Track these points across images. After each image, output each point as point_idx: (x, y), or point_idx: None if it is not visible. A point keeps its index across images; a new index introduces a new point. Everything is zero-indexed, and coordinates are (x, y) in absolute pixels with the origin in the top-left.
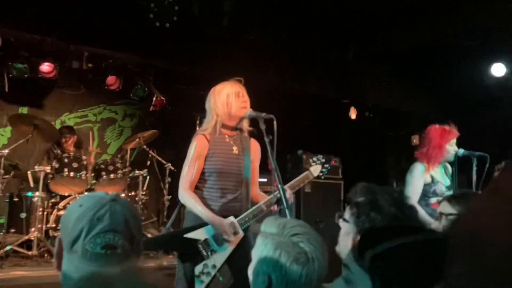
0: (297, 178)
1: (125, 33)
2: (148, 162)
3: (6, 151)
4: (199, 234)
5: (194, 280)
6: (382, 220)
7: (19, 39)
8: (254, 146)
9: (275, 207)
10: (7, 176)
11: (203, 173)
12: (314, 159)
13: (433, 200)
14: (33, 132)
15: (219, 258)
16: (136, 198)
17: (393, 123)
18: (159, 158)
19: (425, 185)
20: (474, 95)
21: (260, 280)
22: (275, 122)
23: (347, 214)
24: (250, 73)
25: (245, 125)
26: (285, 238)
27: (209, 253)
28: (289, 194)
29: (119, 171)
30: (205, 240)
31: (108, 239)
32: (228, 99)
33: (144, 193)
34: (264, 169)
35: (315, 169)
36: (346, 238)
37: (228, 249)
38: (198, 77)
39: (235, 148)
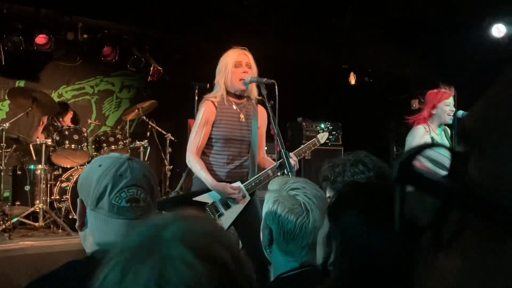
0: (304, 145)
1: (119, 3)
2: (148, 133)
3: (7, 124)
4: (207, 198)
5: None
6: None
7: (12, 11)
8: (262, 113)
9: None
10: (9, 150)
11: (210, 139)
12: (322, 126)
13: None
14: (32, 105)
15: (226, 221)
16: None
17: (392, 87)
18: (159, 129)
19: None
20: (475, 57)
21: (265, 233)
22: (276, 87)
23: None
24: (247, 39)
25: (254, 92)
26: (284, 192)
27: (217, 216)
28: (294, 161)
29: (119, 142)
30: (213, 203)
31: (132, 193)
32: (226, 69)
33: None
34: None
35: (322, 136)
36: None
37: (235, 212)
38: (195, 45)
39: (242, 115)
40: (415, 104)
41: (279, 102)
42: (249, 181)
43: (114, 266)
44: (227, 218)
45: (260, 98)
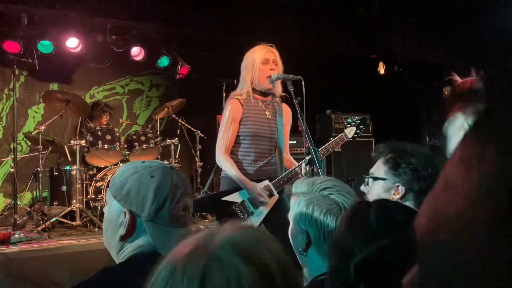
0: (331, 141)
1: (146, 3)
2: (178, 131)
3: (43, 127)
4: (235, 197)
5: None
6: (421, 164)
7: (44, 17)
8: (286, 111)
9: (307, 168)
10: (45, 152)
11: (237, 137)
12: (349, 120)
13: None
14: (65, 107)
15: (256, 219)
16: None
17: (423, 76)
18: (189, 126)
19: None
20: (509, 42)
21: (299, 239)
22: (303, 83)
23: (379, 173)
24: (274, 34)
25: (279, 90)
26: (315, 193)
27: (246, 215)
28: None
29: (151, 141)
30: (242, 202)
31: (186, 201)
32: (253, 66)
33: (176, 161)
34: (293, 131)
35: (350, 131)
36: (387, 195)
37: (265, 211)
38: (221, 42)
39: (268, 112)
40: (447, 91)
41: (307, 95)
42: (277, 179)
43: (165, 265)
44: (257, 216)
45: (284, 95)
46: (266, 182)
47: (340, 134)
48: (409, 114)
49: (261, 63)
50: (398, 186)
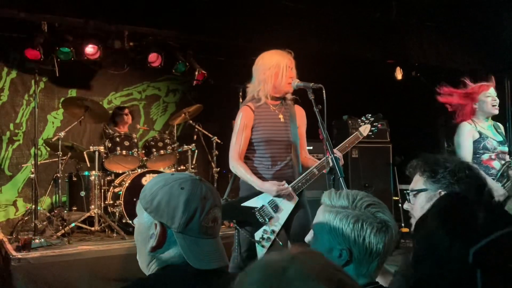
0: (347, 139)
1: (162, 9)
2: (195, 136)
3: (62, 133)
4: (255, 202)
5: (253, 246)
6: (457, 167)
7: (63, 24)
8: (299, 112)
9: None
10: (65, 157)
11: (251, 143)
12: (363, 118)
13: (485, 156)
14: (84, 113)
15: (277, 223)
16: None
17: (441, 81)
18: (205, 132)
19: (474, 142)
20: None
21: (334, 254)
22: (324, 92)
23: (419, 185)
24: (290, 40)
25: (289, 93)
26: (361, 210)
27: (267, 219)
28: (339, 156)
29: (168, 147)
30: (262, 207)
31: (215, 213)
32: (278, 71)
33: (193, 166)
34: (311, 137)
35: (365, 129)
36: (430, 204)
37: (286, 213)
38: (238, 48)
39: (281, 116)
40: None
41: (322, 104)
42: (295, 181)
43: None
44: (278, 220)
45: (294, 97)
46: (285, 184)
47: (355, 133)
48: (426, 120)
49: (286, 69)
50: (440, 192)
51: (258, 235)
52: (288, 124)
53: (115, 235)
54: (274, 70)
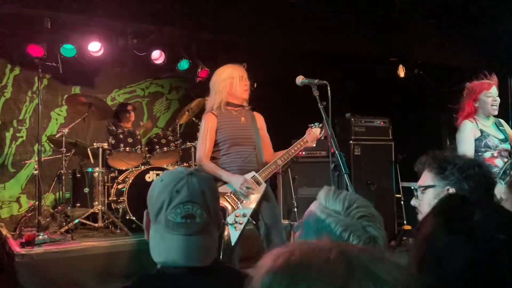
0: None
1: (166, 7)
2: (197, 133)
3: (67, 130)
4: (225, 188)
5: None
6: (465, 163)
7: (67, 21)
8: (258, 117)
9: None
10: (68, 154)
11: (217, 144)
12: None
13: (488, 154)
14: (88, 110)
15: (247, 207)
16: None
17: (444, 79)
18: None
19: (475, 140)
20: None
21: None
22: (329, 88)
23: (427, 182)
24: (293, 38)
25: (245, 102)
26: (353, 220)
27: (238, 204)
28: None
29: (171, 144)
30: (232, 192)
31: (187, 209)
32: (232, 81)
33: (196, 163)
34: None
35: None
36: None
37: (255, 198)
38: (241, 45)
39: (242, 118)
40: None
41: (325, 98)
42: (262, 169)
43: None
44: (249, 204)
45: (250, 106)
46: (253, 173)
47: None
48: (429, 117)
49: (239, 79)
50: (448, 189)
51: (230, 219)
52: (250, 126)
53: (118, 231)
54: (228, 80)
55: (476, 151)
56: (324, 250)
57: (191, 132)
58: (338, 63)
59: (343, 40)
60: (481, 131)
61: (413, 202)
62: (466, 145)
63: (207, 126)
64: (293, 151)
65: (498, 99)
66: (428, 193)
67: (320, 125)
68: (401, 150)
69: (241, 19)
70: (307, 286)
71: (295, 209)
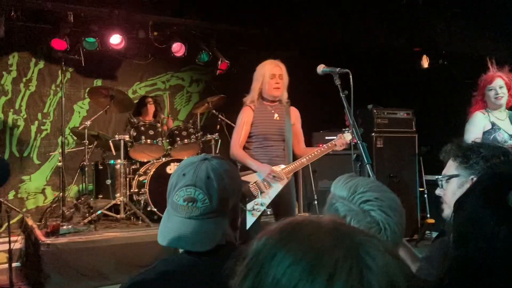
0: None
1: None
2: (218, 126)
3: (89, 122)
4: (250, 178)
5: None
6: (490, 152)
7: (88, 14)
8: (293, 112)
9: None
10: (91, 146)
11: (251, 136)
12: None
13: None
14: (110, 103)
15: (267, 196)
16: None
17: (469, 69)
18: (228, 121)
19: (484, 132)
20: None
21: None
22: (351, 77)
23: (451, 171)
24: (315, 29)
25: (284, 97)
26: (355, 205)
27: (259, 193)
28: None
29: (192, 136)
30: (255, 182)
31: (189, 192)
32: (263, 79)
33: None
34: (338, 126)
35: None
36: (462, 190)
37: (275, 190)
38: (261, 37)
39: (276, 115)
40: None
41: (348, 89)
42: (289, 164)
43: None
44: (268, 194)
45: (289, 101)
46: (281, 166)
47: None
48: (453, 109)
49: (269, 77)
50: (472, 178)
51: (250, 205)
52: (283, 122)
53: (140, 222)
54: (260, 79)
55: None
56: (321, 222)
57: (211, 124)
58: (361, 54)
59: (365, 30)
60: (493, 124)
61: (438, 191)
62: (471, 135)
63: (244, 120)
64: (320, 151)
65: (502, 90)
66: (452, 182)
67: (351, 131)
68: (424, 142)
69: (261, 11)
70: (292, 246)
71: (315, 202)
